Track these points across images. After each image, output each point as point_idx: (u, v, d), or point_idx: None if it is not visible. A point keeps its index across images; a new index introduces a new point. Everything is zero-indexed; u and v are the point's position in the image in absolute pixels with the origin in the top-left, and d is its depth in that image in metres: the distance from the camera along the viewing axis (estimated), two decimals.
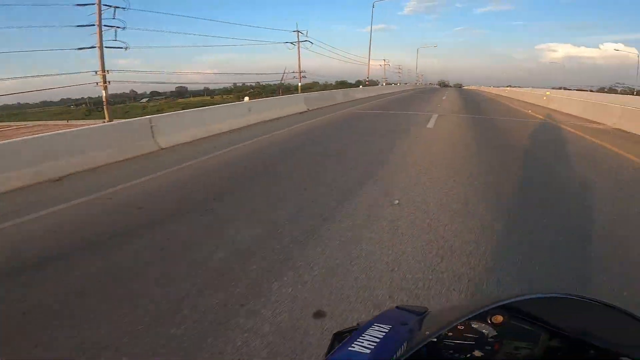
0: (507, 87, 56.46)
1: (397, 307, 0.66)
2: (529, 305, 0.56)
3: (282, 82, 40.98)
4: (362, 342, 0.52)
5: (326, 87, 68.85)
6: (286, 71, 38.93)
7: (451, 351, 0.58)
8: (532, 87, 72.60)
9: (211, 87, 72.53)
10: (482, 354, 0.58)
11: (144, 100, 70.09)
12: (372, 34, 40.53)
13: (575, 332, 0.56)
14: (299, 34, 35.26)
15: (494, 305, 0.52)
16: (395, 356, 0.46)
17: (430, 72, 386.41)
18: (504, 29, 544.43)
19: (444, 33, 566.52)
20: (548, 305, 0.55)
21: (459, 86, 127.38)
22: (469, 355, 0.58)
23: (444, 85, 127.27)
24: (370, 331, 0.55)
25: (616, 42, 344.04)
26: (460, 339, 0.58)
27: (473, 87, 72.82)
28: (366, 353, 0.49)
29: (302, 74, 36.76)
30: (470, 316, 0.52)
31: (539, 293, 0.52)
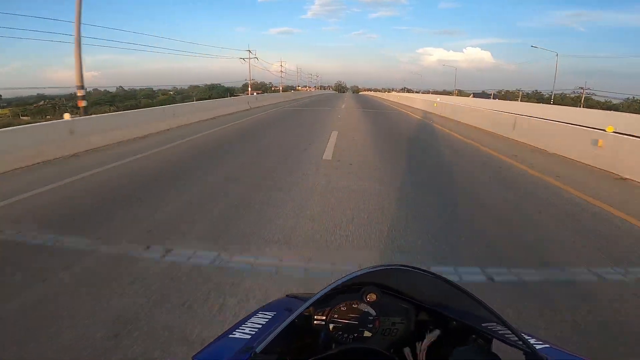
0: (419, 93, 50.12)
1: (287, 295, 0.82)
2: (387, 279, 0.67)
3: None
4: (244, 329, 0.65)
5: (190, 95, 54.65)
6: None
7: (340, 332, 0.67)
8: (431, 91, 70.23)
9: None
10: (369, 332, 0.68)
11: None
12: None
13: (433, 304, 0.69)
14: None
15: (346, 279, 0.60)
16: (269, 339, 0.53)
17: (328, 73, 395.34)
18: (392, 33, 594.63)
19: (344, 36, 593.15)
20: (399, 278, 0.67)
21: (356, 91, 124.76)
22: (355, 335, 0.68)
23: (341, 90, 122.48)
24: (254, 319, 0.70)
25: (475, 46, 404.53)
26: (346, 319, 0.67)
27: (374, 94, 64.28)
28: (246, 338, 0.61)
29: None
30: (325, 292, 0.60)
31: (381, 265, 0.62)
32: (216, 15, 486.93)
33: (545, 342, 0.68)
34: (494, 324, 0.59)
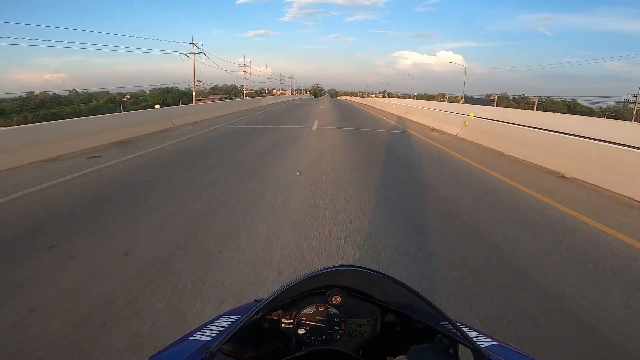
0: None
1: (255, 300, 0.77)
2: (351, 281, 0.68)
3: None
4: (205, 332, 0.64)
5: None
6: None
7: (308, 334, 0.68)
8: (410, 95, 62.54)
9: None
10: (337, 334, 0.68)
11: None
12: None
13: (397, 305, 0.70)
14: None
15: (299, 280, 0.61)
16: (224, 338, 0.52)
17: (305, 76, 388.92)
18: (368, 36, 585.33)
19: (320, 39, 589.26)
20: (363, 280, 0.68)
21: (334, 95, 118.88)
22: (324, 337, 0.68)
23: (318, 94, 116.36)
24: (217, 322, 0.69)
25: (448, 50, 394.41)
26: (313, 322, 0.67)
27: (359, 101, 55.61)
28: (205, 340, 0.60)
29: None
30: (280, 292, 0.60)
31: (333, 267, 0.63)
32: (192, 16, 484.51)
33: (493, 340, 0.70)
34: (447, 322, 0.61)
